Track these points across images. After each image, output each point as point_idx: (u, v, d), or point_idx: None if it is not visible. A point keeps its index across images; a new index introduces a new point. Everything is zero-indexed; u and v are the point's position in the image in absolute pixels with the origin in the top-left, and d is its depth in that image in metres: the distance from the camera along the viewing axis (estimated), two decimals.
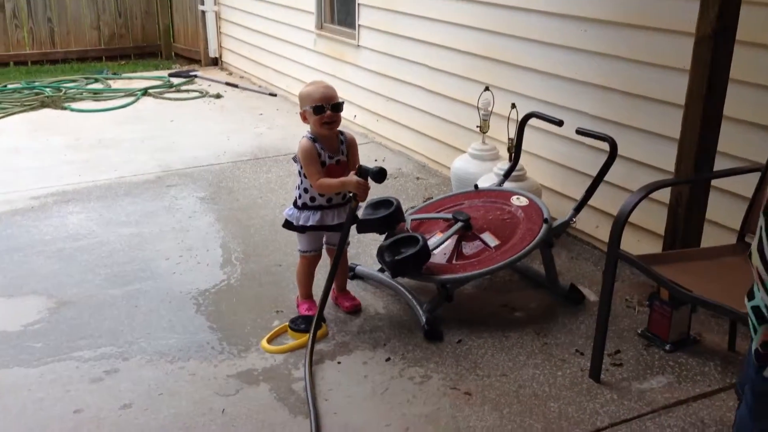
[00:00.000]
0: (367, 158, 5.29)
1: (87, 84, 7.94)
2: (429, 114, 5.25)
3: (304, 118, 3.16)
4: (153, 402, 2.72)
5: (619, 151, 3.33)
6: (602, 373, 2.86)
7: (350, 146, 3.22)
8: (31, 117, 6.71)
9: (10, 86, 7.70)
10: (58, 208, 4.57)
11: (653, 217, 3.54)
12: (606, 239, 2.82)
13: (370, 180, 3.05)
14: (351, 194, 3.10)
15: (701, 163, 3.07)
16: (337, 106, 3.11)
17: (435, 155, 5.28)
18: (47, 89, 7.51)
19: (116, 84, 7.96)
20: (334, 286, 3.42)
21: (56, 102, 7.08)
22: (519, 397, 2.75)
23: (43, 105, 7.01)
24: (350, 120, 6.04)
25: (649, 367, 2.94)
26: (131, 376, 2.88)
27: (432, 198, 4.41)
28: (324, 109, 3.07)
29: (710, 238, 3.21)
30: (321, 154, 3.11)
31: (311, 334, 3.03)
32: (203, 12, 8.69)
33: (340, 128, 3.19)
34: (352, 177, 3.05)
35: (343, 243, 3.17)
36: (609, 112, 3.80)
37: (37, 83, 7.84)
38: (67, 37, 9.34)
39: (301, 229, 3.22)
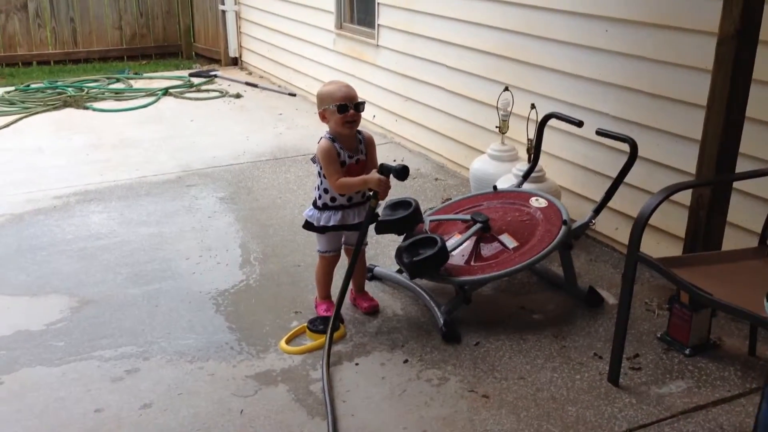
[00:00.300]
0: (386, 158, 5.26)
1: (109, 84, 8.02)
2: (448, 114, 5.25)
3: (324, 118, 3.15)
4: (172, 402, 2.75)
5: (640, 153, 3.31)
6: (621, 377, 2.84)
7: (369, 145, 3.22)
8: (53, 116, 6.79)
9: (33, 86, 7.80)
10: (81, 208, 4.62)
11: (674, 219, 3.51)
12: (626, 242, 2.81)
13: (392, 178, 3.05)
14: (371, 193, 3.11)
15: (723, 165, 3.04)
16: (359, 106, 3.12)
17: (454, 156, 5.27)
18: (69, 89, 7.60)
19: (137, 84, 8.04)
20: (352, 286, 3.43)
21: (78, 101, 7.16)
22: (537, 401, 2.74)
23: (66, 104, 7.09)
24: (369, 120, 6.04)
25: (668, 371, 2.92)
26: (151, 376, 2.91)
27: (450, 199, 4.41)
28: (347, 108, 3.07)
29: (731, 241, 3.18)
30: (341, 153, 3.11)
31: (328, 335, 3.05)
32: (224, 12, 8.73)
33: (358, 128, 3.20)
34: (374, 175, 3.05)
35: (361, 242, 3.17)
36: (629, 113, 3.77)
37: (59, 83, 7.93)
38: (89, 37, 9.44)
39: (322, 230, 3.23)
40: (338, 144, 3.12)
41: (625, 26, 3.74)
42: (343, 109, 3.07)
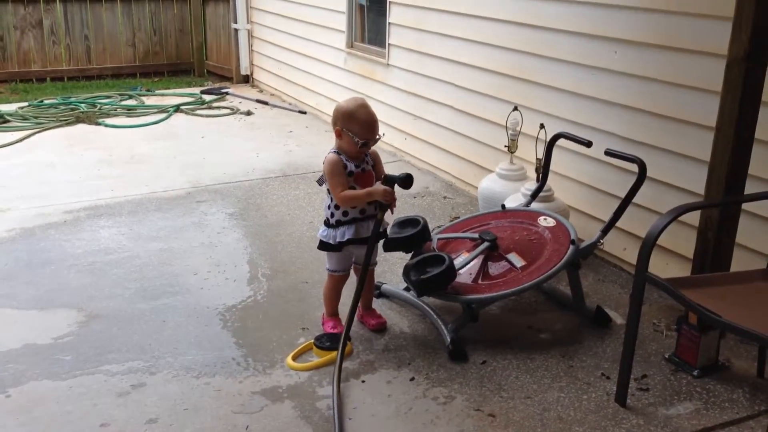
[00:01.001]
0: None
1: (121, 100, 8.09)
2: (457, 133, 5.27)
3: (339, 135, 3.13)
4: (178, 417, 2.75)
5: (649, 173, 3.31)
6: (628, 397, 2.83)
7: (374, 156, 3.24)
8: (66, 132, 6.85)
9: (46, 101, 7.89)
10: (91, 223, 4.65)
11: (682, 240, 3.50)
12: (634, 262, 2.80)
13: (398, 189, 3.05)
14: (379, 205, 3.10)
15: (732, 186, 3.03)
16: (377, 140, 3.14)
17: (462, 174, 5.28)
18: (82, 105, 7.67)
19: (149, 100, 8.11)
20: (360, 304, 3.44)
21: (91, 117, 7.22)
22: (543, 421, 2.73)
23: (79, 120, 7.16)
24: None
25: (676, 392, 2.90)
26: (158, 391, 2.91)
27: (459, 217, 4.41)
28: (369, 144, 3.10)
29: (740, 262, 3.17)
30: (347, 165, 3.11)
31: (340, 352, 3.02)
32: (236, 30, 8.82)
33: None
34: (379, 186, 3.05)
35: (369, 261, 3.16)
36: (638, 134, 3.78)
37: (72, 99, 8.01)
38: (103, 54, 9.55)
39: (338, 247, 3.22)
40: (344, 156, 3.13)
41: (634, 48, 3.76)
42: (365, 145, 3.09)
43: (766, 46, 2.92)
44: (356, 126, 3.08)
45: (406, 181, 3.01)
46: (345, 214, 3.18)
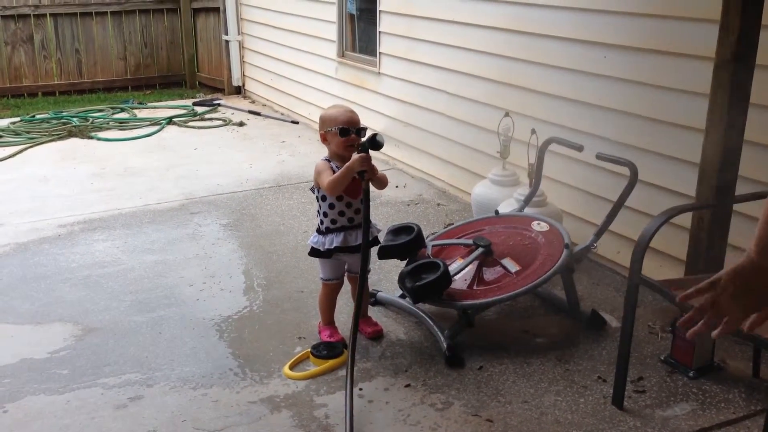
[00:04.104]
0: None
1: (113, 113, 8.09)
2: (449, 140, 5.29)
3: (324, 140, 3.17)
4: (176, 429, 2.75)
5: (640, 176, 3.33)
6: (625, 400, 2.84)
7: None
8: (58, 146, 6.85)
9: (38, 116, 7.88)
10: (85, 236, 4.65)
11: (675, 241, 3.52)
12: (627, 264, 2.82)
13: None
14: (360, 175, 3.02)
15: (722, 187, 3.06)
16: (360, 131, 3.14)
17: (455, 181, 5.30)
18: (74, 119, 7.67)
19: (142, 113, 8.11)
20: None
21: (83, 131, 7.22)
22: (541, 424, 2.74)
23: (71, 134, 7.16)
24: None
25: (672, 394, 2.92)
26: (155, 403, 2.91)
27: (453, 224, 4.42)
28: (350, 131, 3.10)
29: (733, 263, 3.18)
30: (335, 169, 3.11)
31: (350, 360, 2.97)
32: (227, 42, 8.84)
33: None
34: (354, 156, 3.00)
35: (365, 267, 3.13)
36: (629, 137, 3.81)
37: (64, 113, 8.01)
38: (94, 68, 9.55)
39: (327, 254, 3.23)
40: (334, 164, 3.14)
41: (623, 52, 3.79)
42: (345, 133, 3.10)
43: (752, 47, 2.96)
44: (332, 122, 3.12)
45: (373, 141, 2.94)
46: (333, 221, 3.18)
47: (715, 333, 1.44)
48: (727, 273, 1.42)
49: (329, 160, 3.16)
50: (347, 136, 3.10)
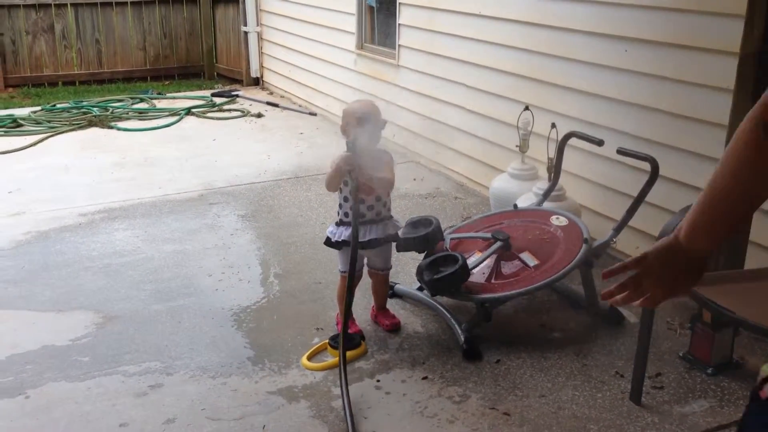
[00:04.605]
0: (404, 178, 5.34)
1: (133, 104, 8.14)
2: (468, 133, 5.28)
3: (344, 132, 3.19)
4: (196, 417, 2.78)
5: (661, 172, 3.31)
6: (643, 395, 2.83)
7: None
8: (79, 136, 6.91)
9: (59, 105, 7.94)
10: (105, 225, 4.69)
11: None
12: None
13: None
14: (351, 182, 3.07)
15: None
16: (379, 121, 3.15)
17: (474, 175, 5.29)
18: (94, 108, 7.73)
19: (161, 103, 8.16)
20: (373, 303, 3.46)
21: (103, 121, 7.27)
22: (558, 419, 2.74)
23: (91, 124, 7.21)
24: (389, 139, 6.08)
25: (690, 390, 2.91)
26: (175, 391, 2.94)
27: (471, 217, 4.42)
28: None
29: (754, 260, 3.17)
30: None
31: (341, 353, 2.95)
32: (246, 33, 8.85)
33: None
34: (338, 154, 3.06)
35: (354, 259, 3.05)
36: (650, 132, 3.78)
37: (84, 102, 8.07)
38: (114, 58, 9.61)
39: (338, 246, 3.25)
40: None
41: (645, 46, 3.76)
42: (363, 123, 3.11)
43: None
44: (350, 115, 3.15)
45: (351, 144, 3.01)
46: (346, 215, 3.19)
47: (636, 303, 1.46)
48: (653, 252, 1.42)
49: None
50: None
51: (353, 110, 3.18)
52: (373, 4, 6.57)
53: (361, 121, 3.11)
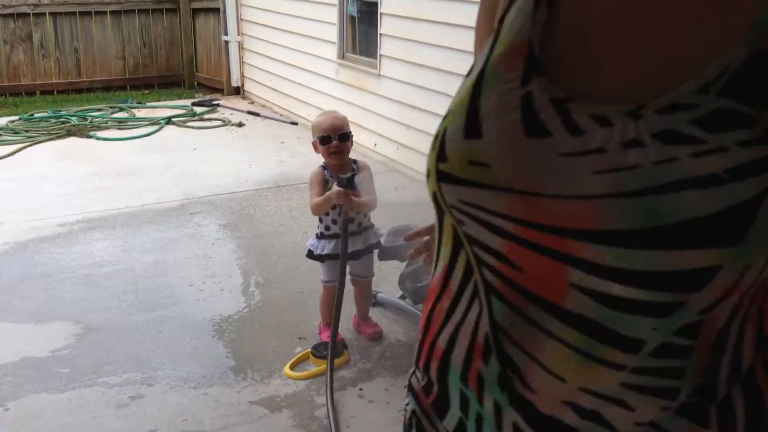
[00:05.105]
0: (386, 187, 5.35)
1: (112, 113, 8.09)
2: None
3: (316, 148, 3.23)
4: (177, 428, 2.76)
5: None
6: None
7: (363, 171, 3.23)
8: (57, 145, 6.85)
9: (37, 115, 7.87)
10: (84, 235, 4.65)
11: None
12: None
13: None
14: (341, 212, 3.09)
15: None
16: (344, 136, 3.16)
17: None
18: (73, 118, 7.67)
19: (140, 113, 8.11)
20: (356, 312, 3.46)
21: (82, 131, 7.22)
22: None
23: (70, 133, 7.16)
24: (371, 148, 6.10)
25: None
26: (156, 402, 2.92)
27: None
28: (331, 139, 3.13)
29: None
30: (329, 180, 3.15)
31: (329, 361, 3.03)
32: (226, 42, 8.85)
33: (355, 157, 3.25)
34: (334, 189, 3.05)
35: (343, 273, 3.11)
36: None
37: (63, 112, 8.00)
38: (93, 67, 9.54)
39: (320, 259, 3.26)
40: (329, 171, 3.16)
41: None
42: (326, 141, 3.13)
43: None
44: (317, 129, 3.18)
45: (350, 180, 3.02)
46: (327, 228, 3.21)
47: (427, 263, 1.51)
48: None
49: (325, 168, 3.18)
50: (328, 144, 3.13)
51: (316, 123, 3.20)
52: (355, 14, 6.60)
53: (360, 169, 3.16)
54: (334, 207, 3.13)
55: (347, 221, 3.10)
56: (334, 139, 3.13)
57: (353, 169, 3.20)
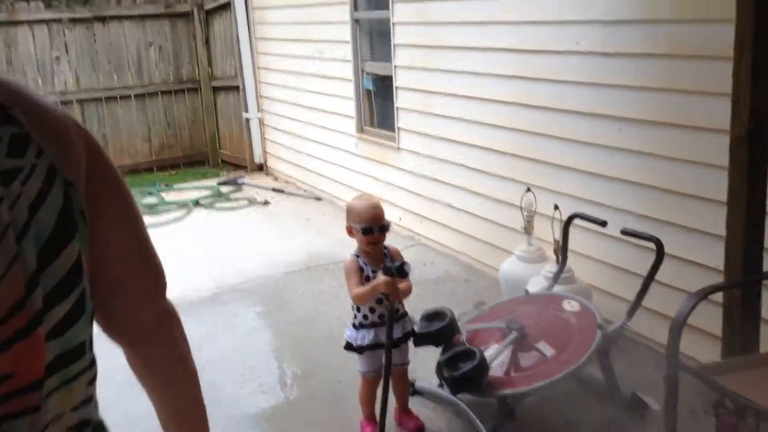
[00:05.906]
0: (414, 261, 5.34)
1: (142, 198, 8.27)
2: (472, 215, 5.35)
3: (350, 233, 3.27)
4: None
5: (667, 250, 3.35)
6: None
7: (395, 257, 3.28)
8: None
9: None
10: None
11: (707, 318, 3.49)
12: (661, 340, 2.84)
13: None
14: (388, 301, 3.09)
15: (749, 262, 3.08)
16: (384, 228, 3.23)
17: (481, 256, 5.33)
18: None
19: (169, 195, 8.28)
20: (395, 404, 3.47)
21: None
22: None
23: None
24: (395, 222, 6.16)
25: None
26: None
27: (483, 302, 4.47)
28: (372, 231, 3.19)
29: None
30: (364, 268, 3.20)
31: None
32: (247, 119, 9.04)
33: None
34: (380, 278, 3.07)
35: (389, 360, 3.11)
36: (652, 210, 3.85)
37: None
38: (121, 152, 9.75)
39: (359, 350, 3.29)
40: (362, 260, 3.22)
41: (638, 125, 3.87)
42: (368, 232, 3.18)
43: (765, 125, 3.01)
44: (356, 216, 3.21)
45: (399, 270, 3.03)
46: (365, 317, 3.24)
47: None
48: None
49: (358, 256, 3.24)
50: (370, 235, 3.18)
51: (355, 211, 3.25)
52: (371, 88, 6.74)
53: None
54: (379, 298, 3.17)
55: (393, 311, 3.13)
56: (375, 231, 3.19)
57: (385, 255, 3.25)
